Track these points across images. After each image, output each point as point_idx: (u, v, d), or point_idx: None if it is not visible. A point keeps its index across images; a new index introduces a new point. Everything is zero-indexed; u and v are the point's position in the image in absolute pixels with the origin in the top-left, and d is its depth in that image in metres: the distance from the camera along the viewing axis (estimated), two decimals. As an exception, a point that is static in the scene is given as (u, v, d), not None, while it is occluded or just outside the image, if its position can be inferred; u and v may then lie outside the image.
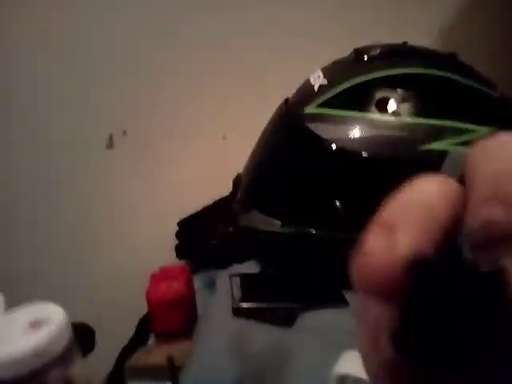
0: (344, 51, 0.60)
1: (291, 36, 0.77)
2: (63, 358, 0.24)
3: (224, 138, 0.82)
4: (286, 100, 0.60)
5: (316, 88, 0.54)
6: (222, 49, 0.78)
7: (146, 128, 0.80)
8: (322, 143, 0.52)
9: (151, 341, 0.63)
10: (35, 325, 0.23)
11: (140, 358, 0.56)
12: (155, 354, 0.56)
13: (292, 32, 0.77)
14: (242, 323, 0.57)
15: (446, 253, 0.11)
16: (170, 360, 0.53)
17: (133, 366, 0.54)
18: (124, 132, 0.80)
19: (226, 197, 0.81)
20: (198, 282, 0.70)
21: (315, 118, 0.53)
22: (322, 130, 0.52)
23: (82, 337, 0.27)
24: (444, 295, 0.10)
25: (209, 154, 0.81)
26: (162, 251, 0.79)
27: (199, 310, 0.66)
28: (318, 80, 0.55)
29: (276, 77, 0.79)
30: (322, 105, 0.54)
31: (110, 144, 0.80)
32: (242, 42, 0.78)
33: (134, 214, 0.83)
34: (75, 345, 0.25)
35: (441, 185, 0.14)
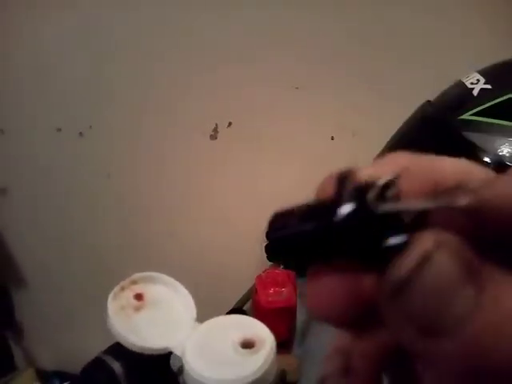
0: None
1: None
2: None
3: (333, 138, 0.77)
4: (429, 102, 0.54)
5: (476, 93, 0.48)
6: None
7: (252, 120, 0.77)
8: (481, 155, 0.45)
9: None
10: (246, 346, 0.19)
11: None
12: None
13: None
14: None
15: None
16: (283, 375, 0.49)
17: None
18: (229, 123, 0.77)
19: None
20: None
21: (473, 126, 0.47)
22: (482, 140, 0.46)
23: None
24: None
25: (315, 155, 0.76)
26: (253, 250, 0.76)
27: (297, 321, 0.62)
28: (477, 84, 0.49)
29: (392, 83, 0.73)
30: (481, 112, 0.47)
31: (215, 134, 0.77)
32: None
33: (229, 207, 0.81)
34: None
35: None
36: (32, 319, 1.00)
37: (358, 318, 0.13)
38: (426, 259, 0.11)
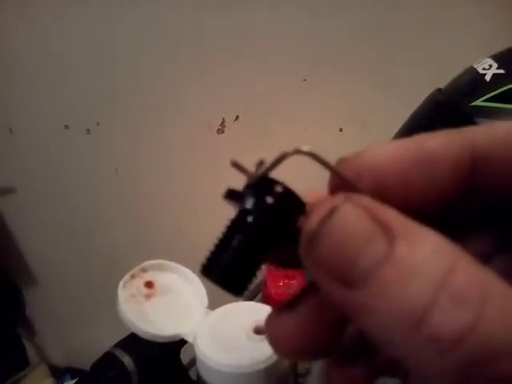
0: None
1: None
2: (286, 378, 0.19)
3: (341, 130, 0.76)
4: (439, 89, 0.53)
5: (488, 78, 0.47)
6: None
7: (259, 113, 0.76)
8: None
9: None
10: (259, 332, 0.19)
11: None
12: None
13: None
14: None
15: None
16: (294, 367, 0.49)
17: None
18: (237, 117, 0.77)
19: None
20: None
21: (486, 112, 0.46)
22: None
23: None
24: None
25: (324, 147, 0.76)
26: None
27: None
28: (489, 70, 0.48)
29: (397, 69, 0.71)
30: (494, 97, 0.46)
31: (222, 129, 0.77)
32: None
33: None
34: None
35: None
36: (43, 316, 1.01)
37: (324, 349, 0.12)
38: (333, 210, 0.11)
